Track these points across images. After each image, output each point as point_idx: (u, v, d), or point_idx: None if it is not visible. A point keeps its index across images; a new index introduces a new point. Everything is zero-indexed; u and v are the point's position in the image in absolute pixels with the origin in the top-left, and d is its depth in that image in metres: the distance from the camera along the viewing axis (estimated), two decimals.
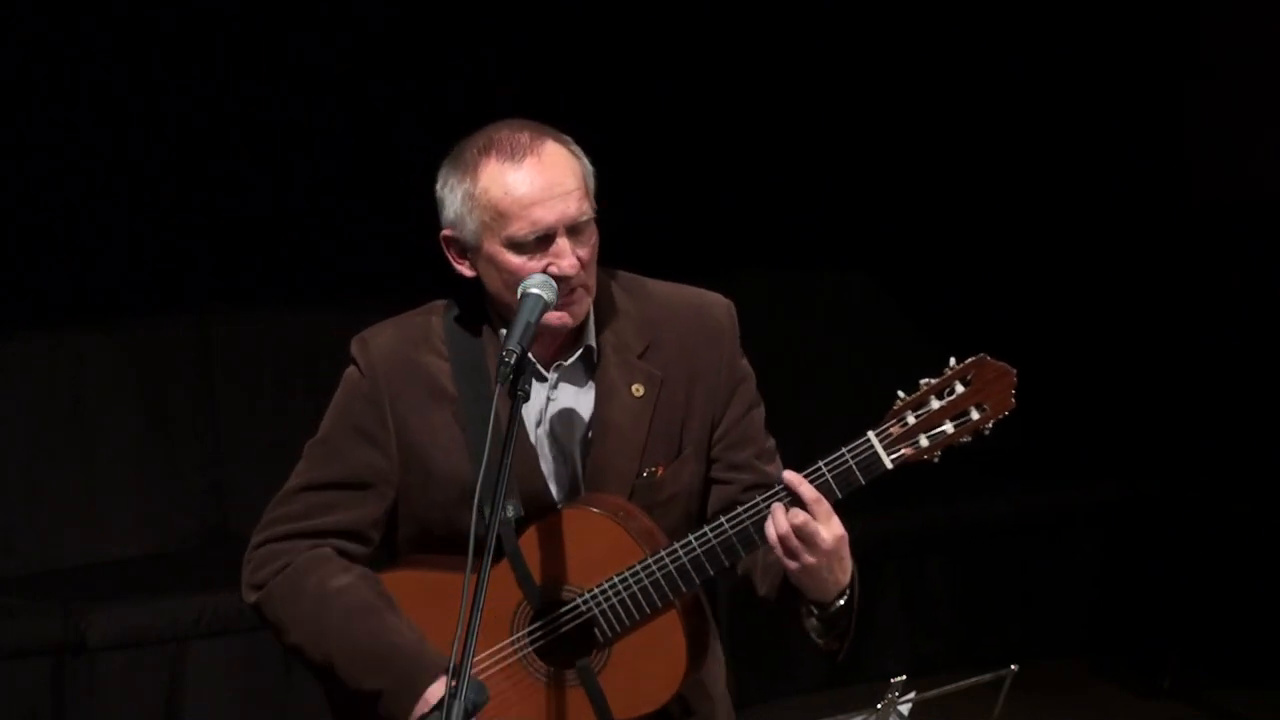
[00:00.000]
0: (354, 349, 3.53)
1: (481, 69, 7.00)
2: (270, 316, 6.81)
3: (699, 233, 7.40)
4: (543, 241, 3.38)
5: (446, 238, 3.47)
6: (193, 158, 6.84)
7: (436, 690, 3.37)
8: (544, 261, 3.38)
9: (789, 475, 3.35)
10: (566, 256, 3.37)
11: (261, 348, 6.77)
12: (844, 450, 3.37)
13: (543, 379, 3.47)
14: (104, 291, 6.69)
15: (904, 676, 3.28)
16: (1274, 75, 7.36)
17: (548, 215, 3.37)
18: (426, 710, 3.36)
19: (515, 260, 3.39)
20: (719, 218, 7.52)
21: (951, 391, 3.36)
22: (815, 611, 3.46)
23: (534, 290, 3.36)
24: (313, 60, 6.99)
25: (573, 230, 3.39)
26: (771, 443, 3.59)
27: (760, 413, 3.59)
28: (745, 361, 3.58)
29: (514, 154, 3.39)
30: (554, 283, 3.38)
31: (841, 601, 3.46)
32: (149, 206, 6.78)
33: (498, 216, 3.38)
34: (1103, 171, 7.68)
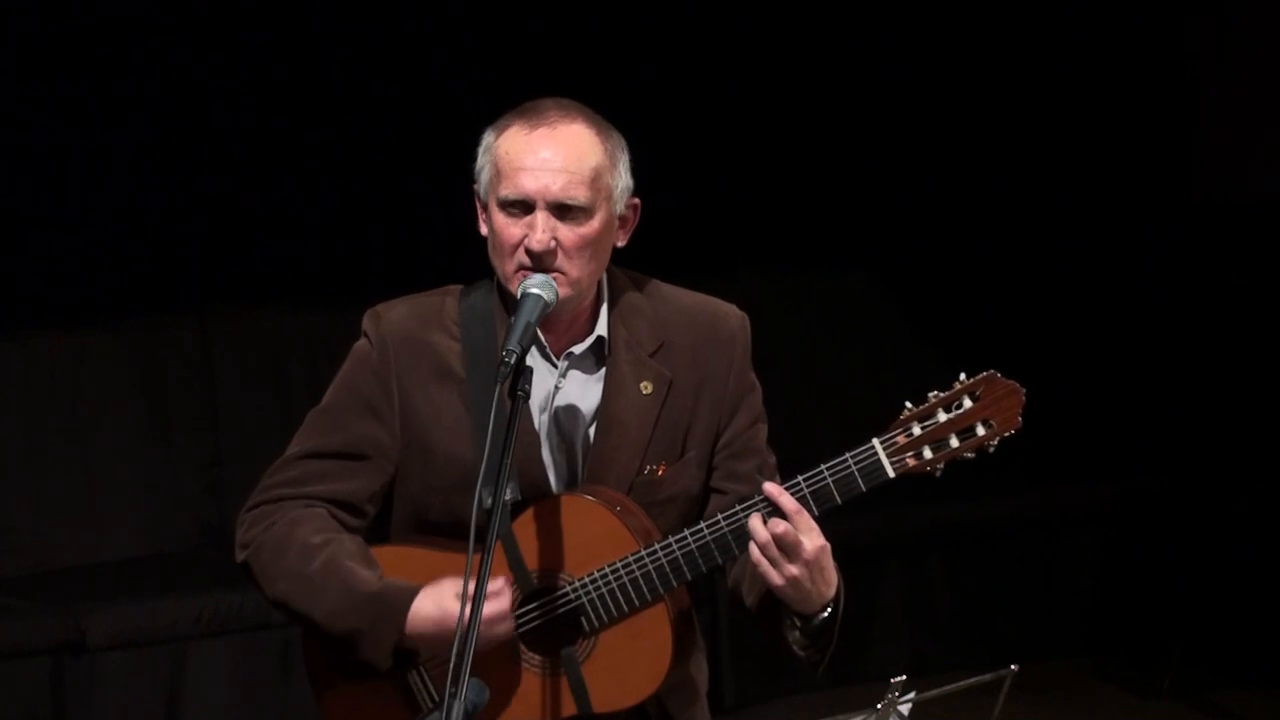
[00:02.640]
0: (366, 322, 3.56)
1: (482, 69, 7.00)
2: (270, 316, 6.81)
3: (699, 232, 7.39)
4: (525, 209, 3.41)
5: (474, 190, 3.52)
6: (193, 158, 6.84)
7: (418, 607, 3.38)
8: (522, 231, 3.41)
9: (769, 487, 3.36)
10: (536, 231, 3.40)
11: (261, 348, 6.77)
12: (847, 456, 3.37)
13: (552, 365, 3.49)
14: (104, 291, 6.69)
15: (904, 676, 3.27)
16: (1274, 75, 7.36)
17: (528, 183, 3.40)
18: (430, 611, 3.37)
19: (499, 219, 3.44)
20: (720, 217, 7.53)
21: (959, 406, 3.37)
22: (799, 624, 3.44)
23: (534, 290, 3.38)
24: (314, 61, 6.99)
25: (558, 210, 3.41)
26: (773, 459, 3.61)
27: (764, 429, 3.61)
28: (754, 375, 3.60)
29: (534, 121, 3.45)
30: (554, 283, 3.39)
31: (825, 615, 3.42)
32: (149, 207, 6.78)
33: (496, 174, 3.44)
34: (1104, 171, 7.68)
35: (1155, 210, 7.59)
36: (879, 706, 3.28)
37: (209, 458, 6.65)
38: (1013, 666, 3.30)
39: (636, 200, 3.52)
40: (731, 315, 3.60)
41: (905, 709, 3.29)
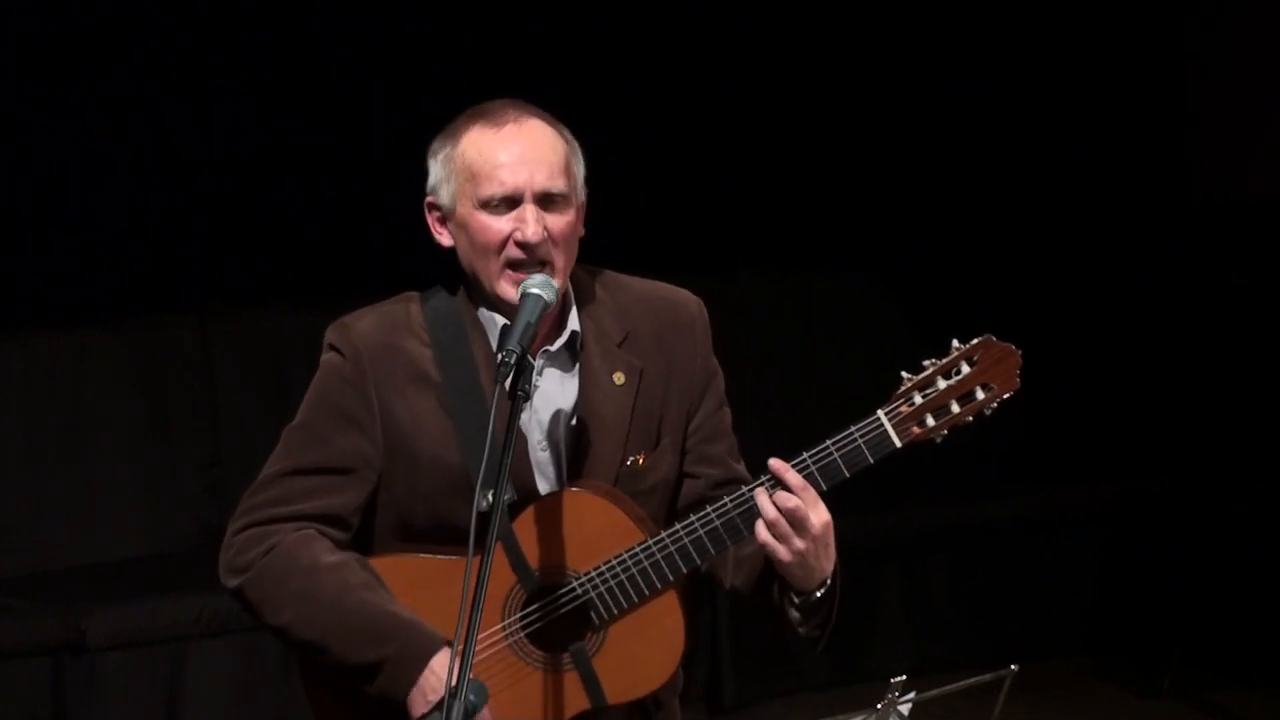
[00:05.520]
0: (332, 335, 3.54)
1: (482, 69, 7.00)
2: (270, 316, 6.81)
3: (699, 232, 7.40)
4: (511, 205, 3.43)
5: (428, 204, 3.53)
6: (193, 158, 6.84)
7: (442, 660, 3.37)
8: (510, 226, 3.42)
9: (774, 463, 3.37)
10: (530, 224, 3.41)
11: (261, 348, 6.77)
12: (853, 429, 3.39)
13: (530, 365, 3.48)
14: (104, 291, 6.69)
15: (904, 676, 3.28)
16: (1274, 75, 7.36)
17: (514, 178, 3.42)
18: (436, 683, 3.35)
19: (480, 220, 3.44)
20: (720, 217, 7.53)
21: (958, 372, 3.39)
22: (796, 601, 3.45)
23: (534, 290, 3.38)
24: (314, 61, 6.99)
25: (543, 201, 3.43)
26: (736, 442, 3.62)
27: (729, 412, 3.63)
28: (715, 359, 3.62)
29: (495, 122, 3.46)
30: (554, 283, 3.40)
31: (821, 592, 3.44)
32: (149, 206, 6.79)
33: (470, 178, 3.44)
34: (1103, 171, 7.68)
35: (1155, 210, 7.59)
36: (879, 706, 3.28)
37: (209, 458, 6.65)
38: (1013, 666, 3.30)
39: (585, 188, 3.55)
40: (690, 301, 3.62)
41: (905, 709, 3.29)
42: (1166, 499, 7.15)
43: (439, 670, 3.37)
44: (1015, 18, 7.61)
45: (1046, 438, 7.06)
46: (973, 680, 3.32)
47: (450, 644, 3.38)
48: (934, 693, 3.31)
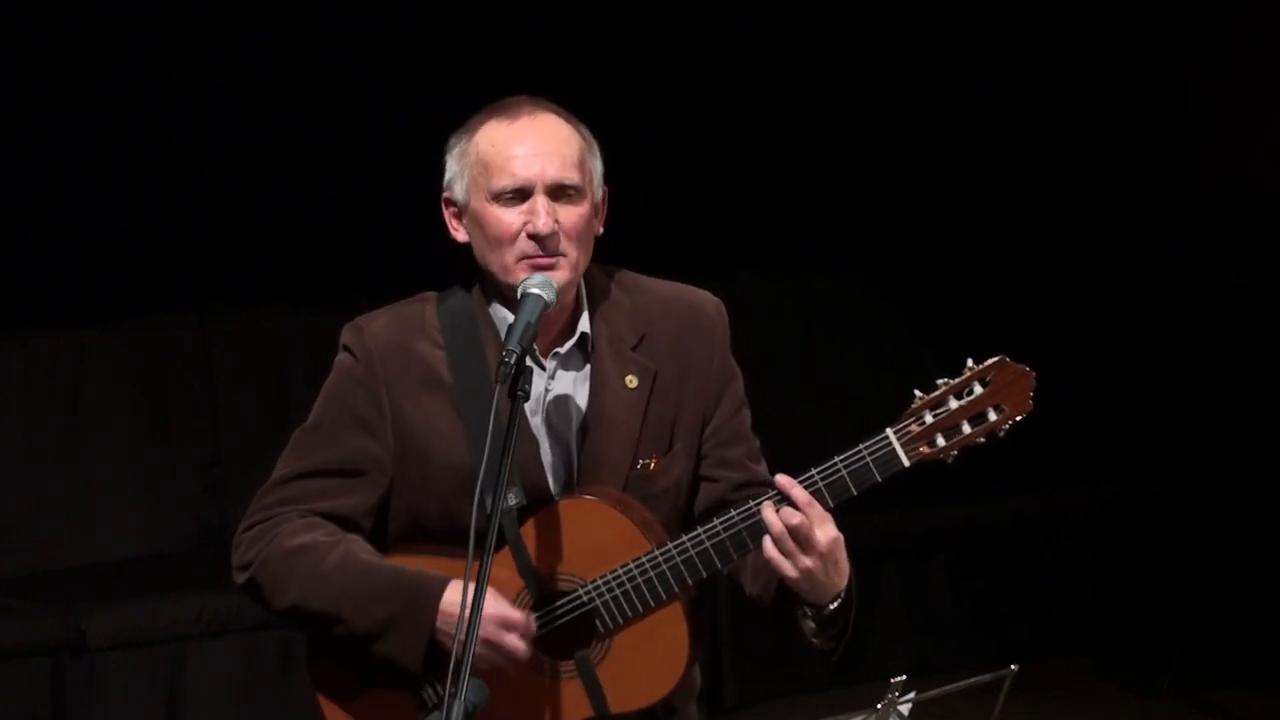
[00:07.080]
0: (347, 336, 3.54)
1: (482, 69, 7.00)
2: (270, 316, 6.82)
3: (699, 233, 7.40)
4: (523, 197, 3.42)
5: (444, 199, 3.52)
6: (193, 158, 6.84)
7: (451, 597, 3.36)
8: (521, 218, 3.42)
9: (781, 479, 3.36)
10: (541, 215, 3.40)
11: (261, 348, 6.77)
12: (861, 447, 3.37)
13: (541, 367, 3.48)
14: (104, 292, 6.69)
15: (904, 676, 3.27)
16: (1274, 75, 7.36)
17: (525, 170, 3.42)
18: (451, 620, 3.34)
19: (493, 212, 3.43)
20: (720, 217, 7.53)
21: (970, 392, 3.37)
22: (810, 613, 3.44)
23: (534, 290, 3.37)
24: (314, 61, 6.99)
25: (555, 194, 3.43)
26: (758, 444, 3.61)
27: (749, 414, 3.61)
28: (734, 361, 3.60)
29: (511, 116, 3.47)
30: (554, 283, 3.39)
31: (835, 605, 3.43)
32: (149, 206, 6.79)
33: (484, 170, 3.44)
34: (1103, 172, 7.68)
35: (1155, 210, 7.59)
36: (879, 706, 3.28)
37: (209, 458, 6.65)
38: (1013, 666, 3.30)
39: (606, 188, 3.55)
40: (709, 303, 3.61)
41: (905, 709, 3.29)
42: (1166, 499, 7.15)
43: (449, 608, 3.36)
44: (1015, 18, 7.61)
45: (1046, 438, 7.05)
46: (973, 680, 3.32)
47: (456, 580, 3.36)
48: (934, 693, 3.31)
